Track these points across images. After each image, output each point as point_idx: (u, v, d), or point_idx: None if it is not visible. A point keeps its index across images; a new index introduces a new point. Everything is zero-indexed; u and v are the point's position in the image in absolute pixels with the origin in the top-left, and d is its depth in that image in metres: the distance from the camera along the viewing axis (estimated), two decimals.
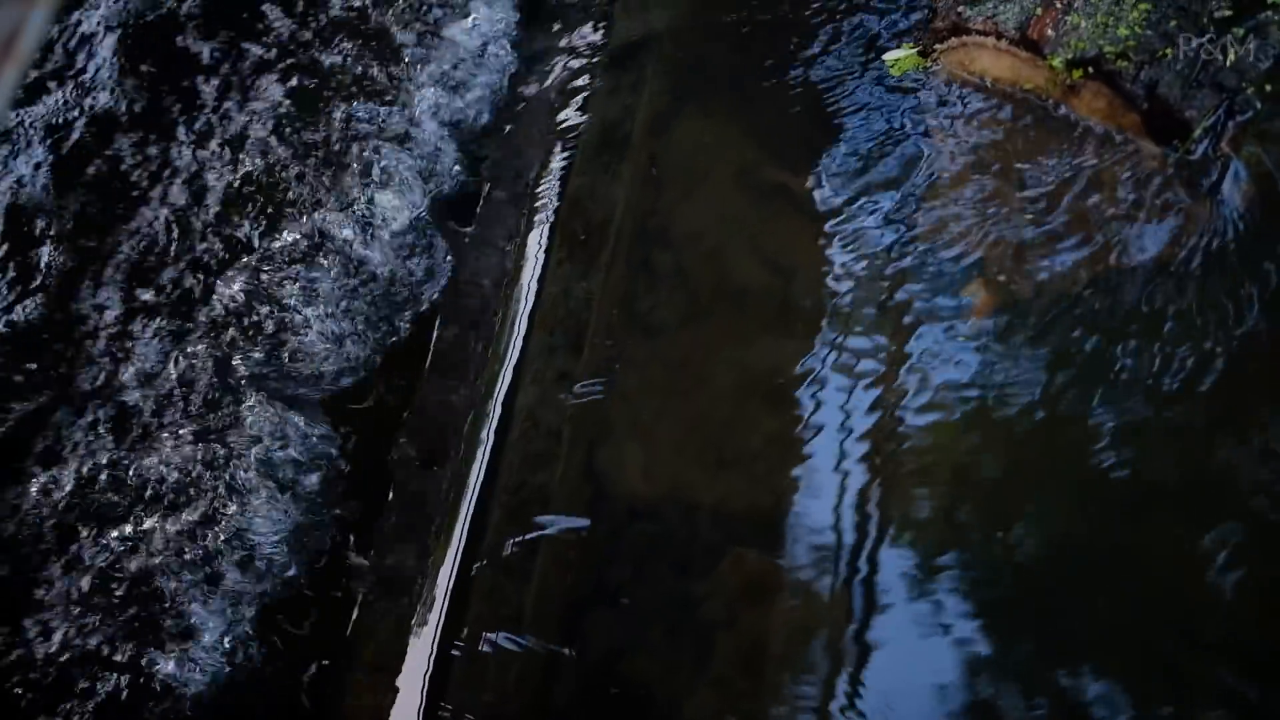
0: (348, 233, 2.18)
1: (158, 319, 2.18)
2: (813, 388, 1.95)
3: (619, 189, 2.14)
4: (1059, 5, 1.89)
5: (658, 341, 2.06)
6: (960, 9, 1.94)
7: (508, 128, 2.30)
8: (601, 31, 2.30)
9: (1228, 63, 1.82)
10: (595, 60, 2.27)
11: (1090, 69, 1.85)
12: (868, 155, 2.07)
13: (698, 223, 2.13)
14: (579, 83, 2.26)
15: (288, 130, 2.31)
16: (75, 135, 2.37)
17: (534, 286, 2.10)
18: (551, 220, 2.15)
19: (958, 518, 1.81)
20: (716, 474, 1.92)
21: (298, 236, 2.21)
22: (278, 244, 2.21)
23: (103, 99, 2.40)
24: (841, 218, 2.05)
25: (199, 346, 2.15)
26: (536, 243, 2.14)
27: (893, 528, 1.83)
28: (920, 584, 1.78)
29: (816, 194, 2.08)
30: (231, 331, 2.16)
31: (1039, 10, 1.89)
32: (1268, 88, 1.82)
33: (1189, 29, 1.85)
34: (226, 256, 2.22)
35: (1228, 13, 1.86)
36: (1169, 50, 1.83)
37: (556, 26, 2.39)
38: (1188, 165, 1.84)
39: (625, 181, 2.15)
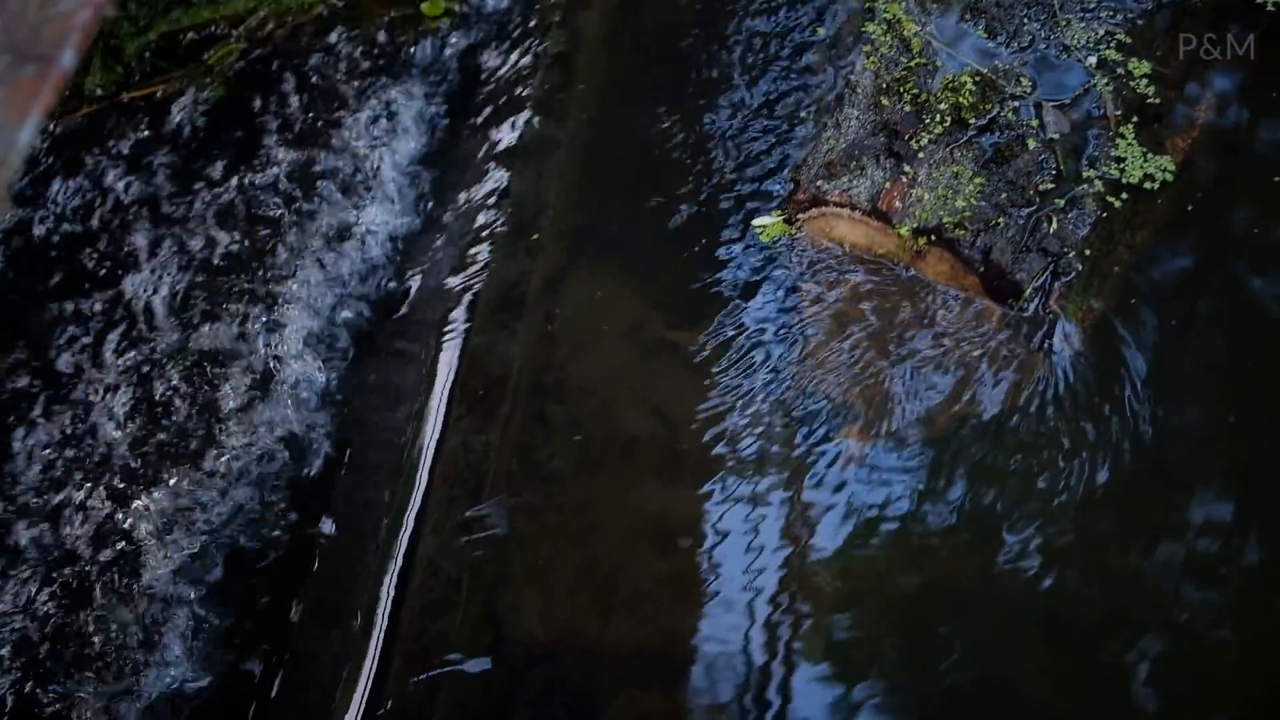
0: (245, 399, 2.31)
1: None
2: (700, 530, 2.09)
3: (516, 346, 2.29)
4: (905, 180, 2.12)
5: (554, 490, 2.18)
6: (819, 183, 2.16)
7: (410, 292, 2.45)
8: (499, 199, 2.48)
9: (1051, 230, 2.05)
10: (493, 227, 2.44)
11: (933, 236, 2.07)
12: (743, 311, 2.25)
13: (591, 376, 2.28)
14: (478, 248, 2.42)
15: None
16: None
17: (435, 441, 2.22)
18: (452, 377, 2.28)
19: (870, 646, 1.94)
20: (609, 616, 2.03)
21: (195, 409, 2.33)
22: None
23: None
24: (722, 370, 2.22)
25: (97, 499, 2.23)
26: (438, 399, 2.26)
27: (797, 658, 1.96)
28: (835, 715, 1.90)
29: (699, 348, 2.25)
30: (134, 486, 2.24)
31: (888, 184, 2.12)
32: (1086, 251, 2.05)
33: (1017, 201, 2.08)
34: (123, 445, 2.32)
35: (1050, 186, 2.10)
36: (1001, 220, 2.06)
37: (456, 195, 2.57)
38: (1023, 321, 2.05)
39: (522, 339, 2.30)
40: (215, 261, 2.51)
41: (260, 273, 2.48)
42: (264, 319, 2.42)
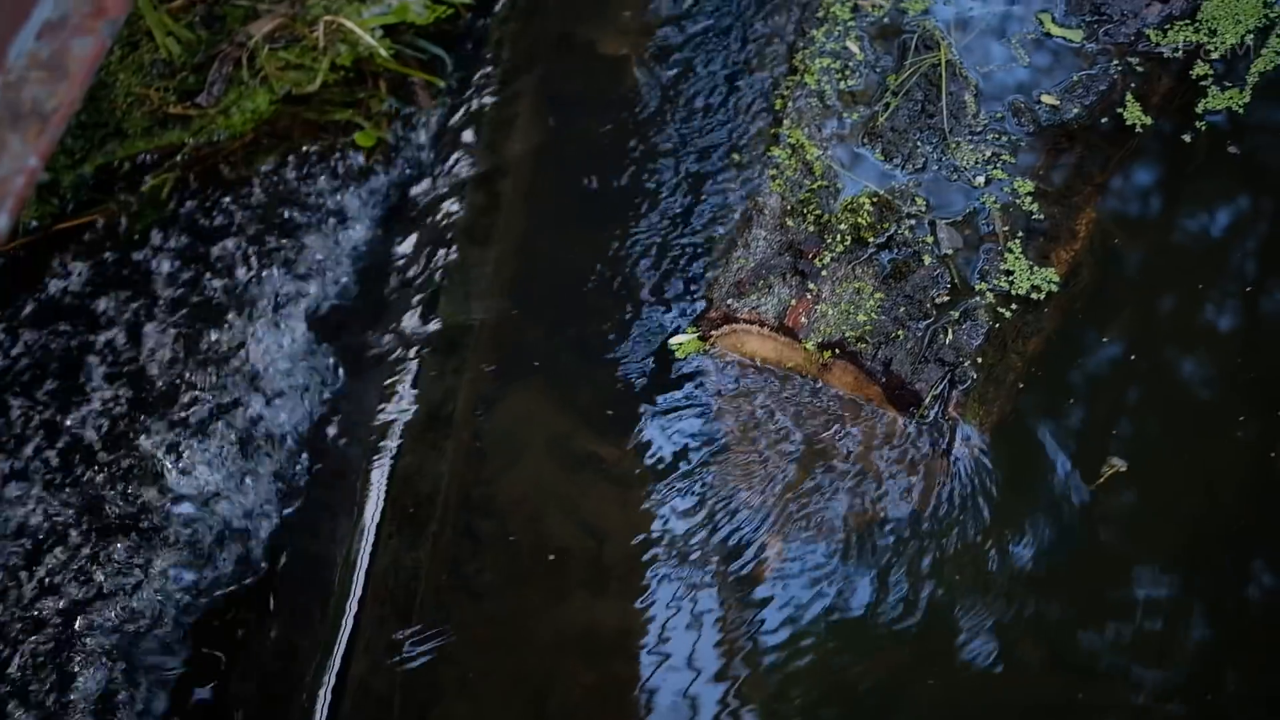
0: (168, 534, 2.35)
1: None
2: (629, 640, 2.15)
3: (444, 464, 2.36)
4: (810, 297, 2.24)
5: (483, 604, 2.24)
6: (729, 301, 2.28)
7: (339, 416, 2.51)
8: (425, 324, 2.57)
9: (947, 341, 2.18)
10: (421, 349, 2.53)
11: (837, 350, 2.19)
12: (664, 424, 2.35)
13: (518, 491, 2.35)
14: (406, 370, 2.50)
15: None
16: None
17: (366, 560, 2.26)
18: (382, 497, 2.34)
19: None
20: None
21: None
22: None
23: None
24: (646, 480, 2.30)
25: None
26: (368, 520, 2.32)
27: None
28: None
29: (623, 461, 2.34)
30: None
31: (794, 301, 2.24)
32: (980, 360, 2.18)
33: (915, 314, 2.21)
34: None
35: (945, 299, 2.24)
36: (900, 332, 2.19)
37: (385, 319, 2.66)
38: (925, 429, 2.17)
39: (450, 457, 2.37)
40: (140, 396, 2.56)
41: (182, 409, 2.53)
42: (192, 444, 2.47)
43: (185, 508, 2.40)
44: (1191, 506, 2.14)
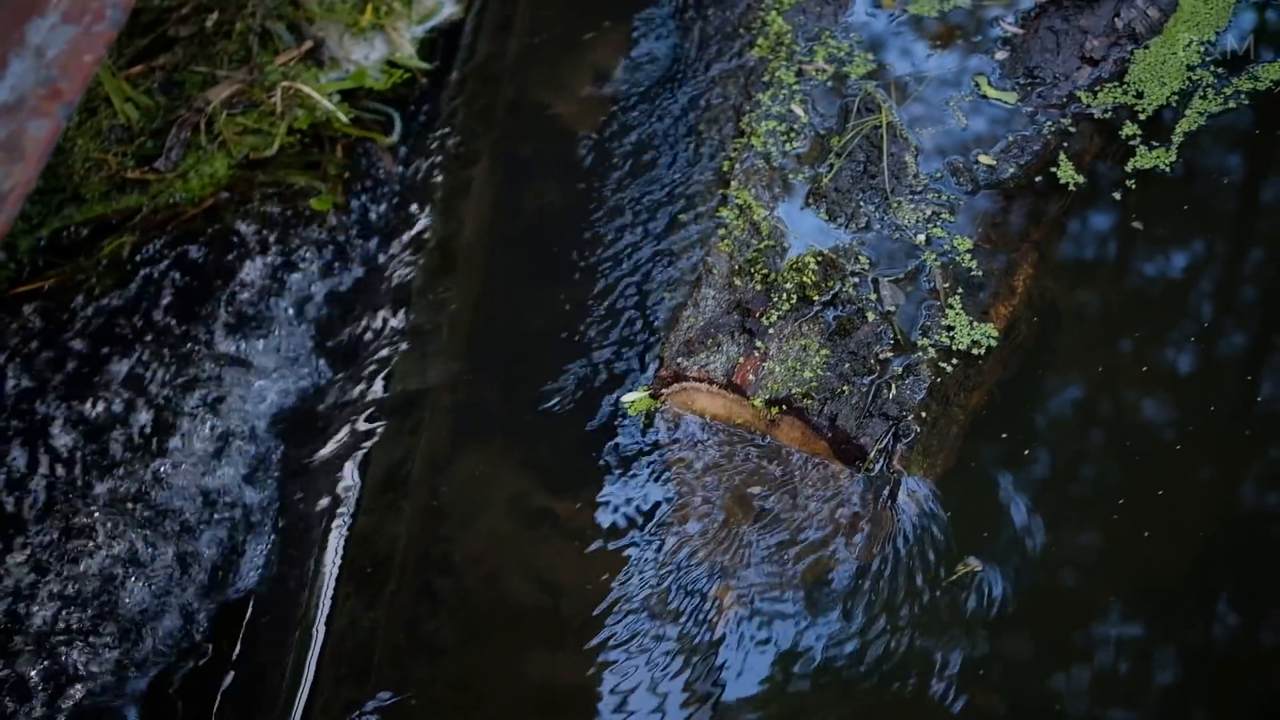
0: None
1: None
2: (587, 696, 2.18)
3: (402, 524, 2.39)
4: (757, 355, 2.31)
5: (441, 662, 2.26)
6: (680, 360, 2.33)
7: (298, 478, 2.54)
8: (382, 387, 2.61)
9: (890, 396, 2.24)
10: (378, 411, 2.56)
11: (784, 406, 2.25)
12: (618, 480, 2.39)
13: (476, 548, 2.38)
14: (364, 432, 2.53)
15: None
16: None
17: (323, 622, 2.28)
18: (340, 559, 2.36)
19: None
20: None
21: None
22: None
23: None
24: (601, 537, 2.34)
25: None
26: (326, 581, 2.34)
27: None
28: None
29: (578, 517, 2.37)
30: None
31: (742, 359, 2.30)
32: (923, 414, 2.25)
33: (859, 370, 2.28)
34: None
35: (889, 354, 2.31)
36: (845, 388, 2.25)
37: (341, 382, 2.69)
38: (870, 482, 2.23)
39: (407, 516, 2.40)
40: (95, 461, 2.57)
41: (142, 472, 2.54)
42: (147, 510, 2.48)
43: (145, 563, 2.41)
44: (1137, 550, 2.20)
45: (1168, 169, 2.59)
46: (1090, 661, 2.08)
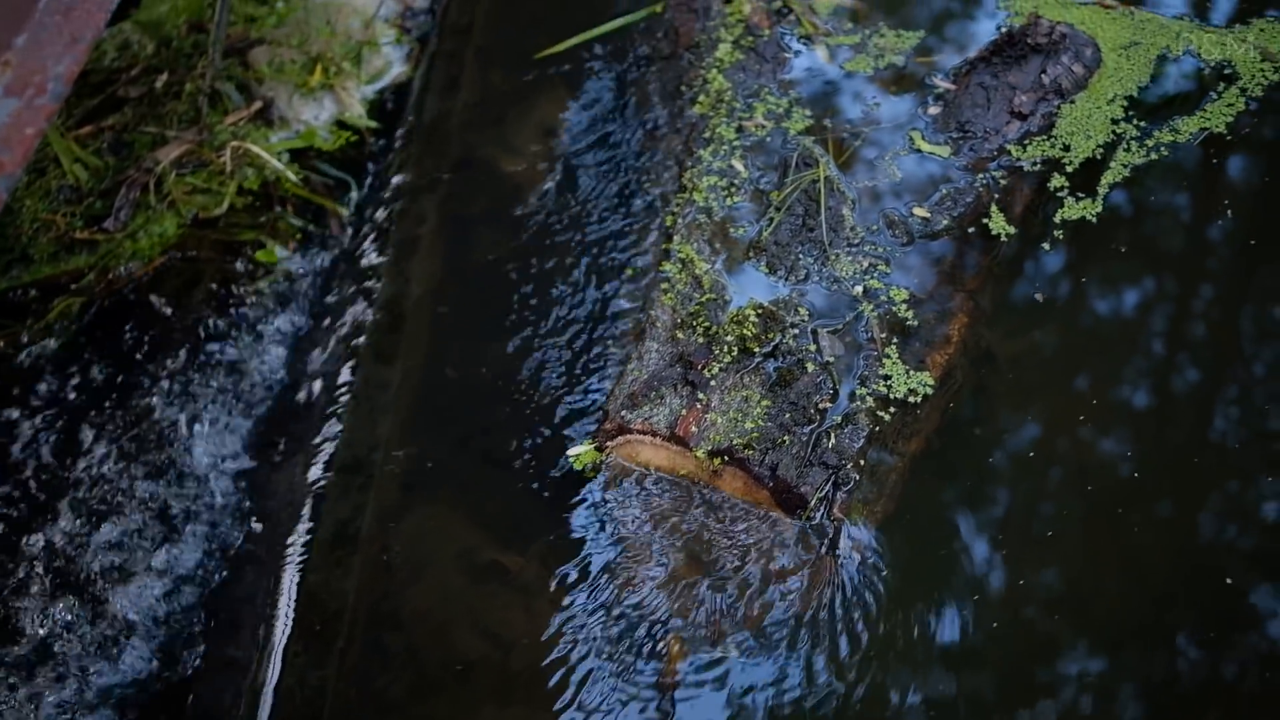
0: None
1: None
2: None
3: (351, 580, 2.40)
4: (700, 406, 2.35)
5: (391, 718, 2.26)
6: (624, 413, 2.37)
7: (248, 536, 2.55)
8: (333, 441, 2.63)
9: (830, 445, 2.30)
10: (327, 468, 2.58)
11: (726, 457, 2.29)
12: (566, 533, 2.42)
13: (425, 604, 2.39)
14: (313, 490, 2.55)
15: None
16: None
17: (273, 682, 2.28)
18: (290, 617, 2.36)
19: None
20: None
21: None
22: None
23: None
24: (550, 590, 2.36)
25: None
26: (276, 640, 2.34)
27: None
28: None
29: (526, 570, 2.40)
30: None
31: (684, 411, 2.35)
32: (861, 462, 2.30)
33: (799, 419, 2.33)
34: None
35: (828, 404, 2.37)
36: (786, 438, 2.30)
37: (291, 441, 2.70)
38: (811, 530, 2.27)
39: (357, 573, 2.41)
40: (44, 504, 2.57)
41: (87, 537, 2.54)
42: (91, 575, 2.48)
43: (81, 628, 2.40)
44: (1077, 586, 2.25)
45: (1093, 220, 2.68)
46: (1047, 699, 2.12)
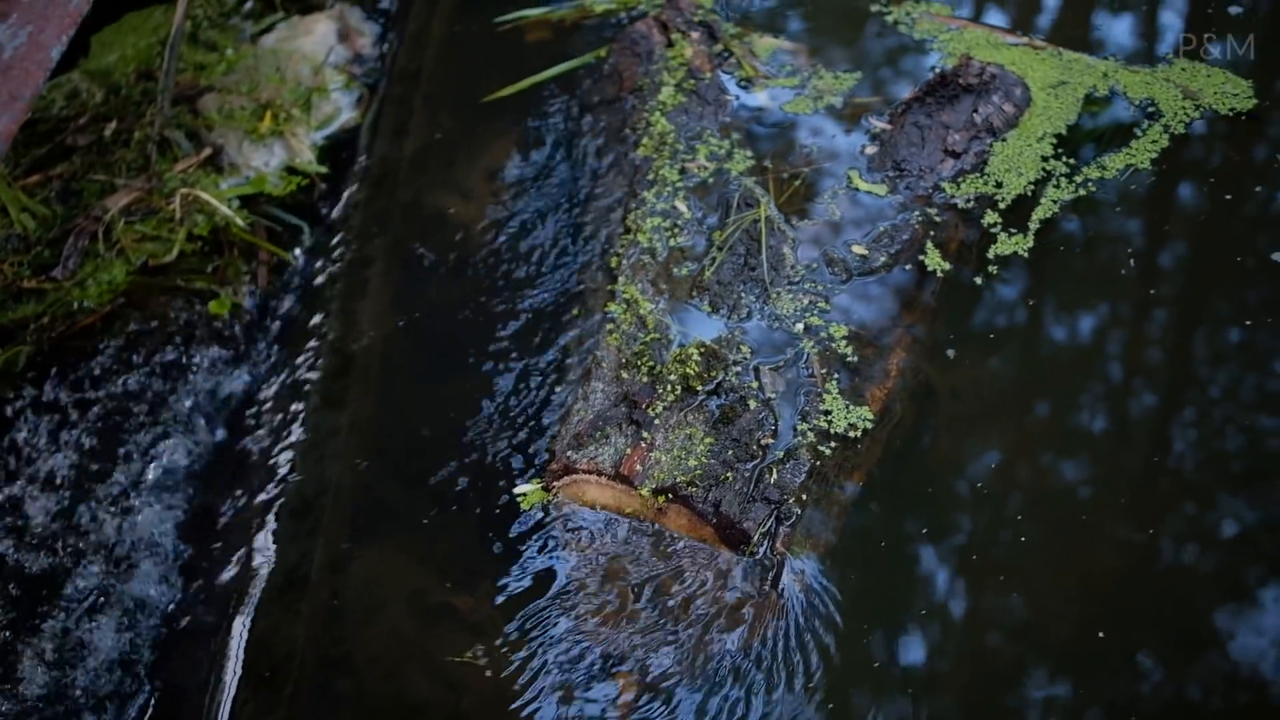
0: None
1: None
2: None
3: (301, 626, 2.40)
4: (644, 445, 2.39)
5: None
6: (569, 453, 2.41)
7: (195, 584, 2.55)
8: (281, 485, 2.64)
9: (772, 480, 2.34)
10: (276, 514, 2.59)
11: (671, 494, 2.33)
12: (515, 572, 2.44)
13: (376, 647, 2.40)
14: (261, 536, 2.56)
15: None
16: None
17: None
18: (239, 665, 2.37)
19: None
20: None
21: None
22: None
23: None
24: (499, 630, 2.38)
25: None
26: (225, 689, 2.34)
27: None
28: None
29: (477, 610, 2.41)
30: None
31: (629, 450, 2.39)
32: (804, 496, 2.34)
33: (742, 456, 2.38)
34: None
35: (770, 440, 2.41)
36: (729, 475, 2.35)
37: (239, 487, 2.71)
38: (755, 565, 2.31)
39: (306, 618, 2.42)
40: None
41: (33, 590, 2.54)
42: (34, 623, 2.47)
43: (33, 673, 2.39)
44: (1012, 610, 2.30)
45: (1025, 254, 2.75)
46: None
